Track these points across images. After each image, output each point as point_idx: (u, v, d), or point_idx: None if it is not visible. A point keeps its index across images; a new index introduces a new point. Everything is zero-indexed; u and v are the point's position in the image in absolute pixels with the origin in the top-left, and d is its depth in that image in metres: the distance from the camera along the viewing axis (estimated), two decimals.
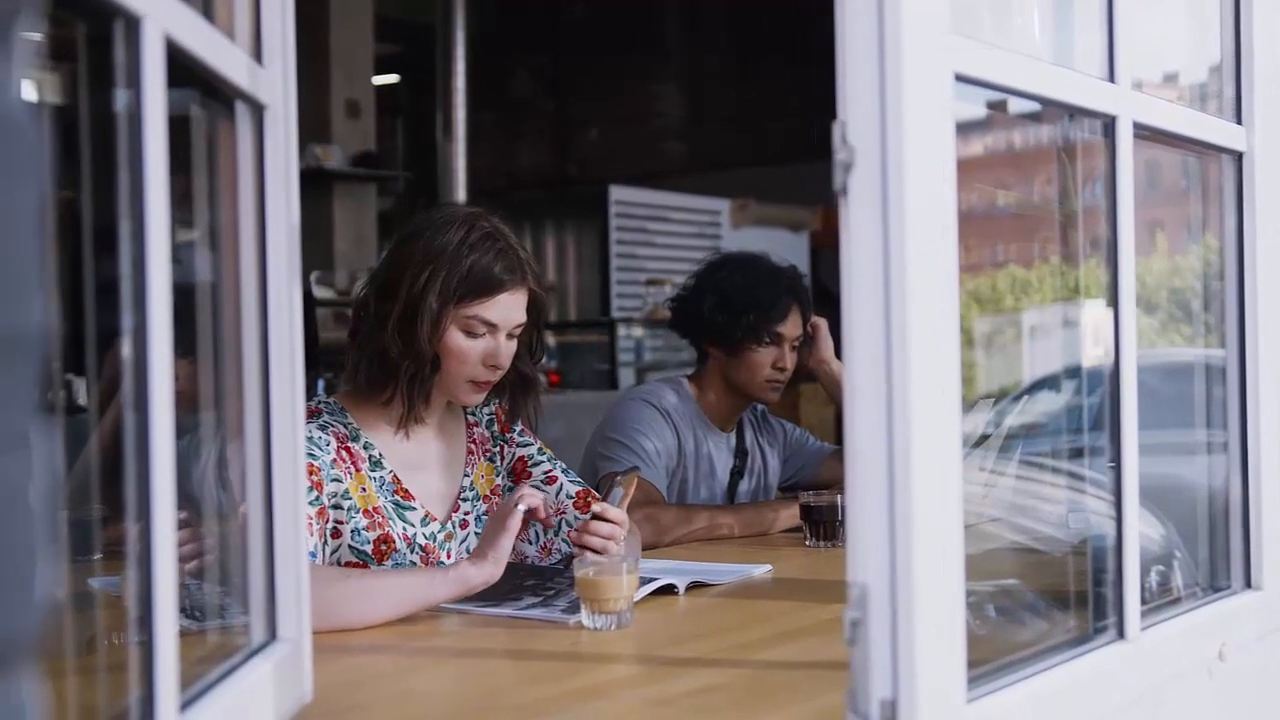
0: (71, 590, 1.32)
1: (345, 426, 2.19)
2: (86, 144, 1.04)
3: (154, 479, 1.00)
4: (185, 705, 1.08)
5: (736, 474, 3.11)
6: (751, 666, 1.66)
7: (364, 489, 2.16)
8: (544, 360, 2.45)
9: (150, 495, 1.00)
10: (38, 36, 0.62)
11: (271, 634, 1.36)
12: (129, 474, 1.00)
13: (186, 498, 1.14)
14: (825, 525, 2.62)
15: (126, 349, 0.98)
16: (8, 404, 0.54)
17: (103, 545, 1.77)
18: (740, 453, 3.12)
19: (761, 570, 2.33)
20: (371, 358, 2.17)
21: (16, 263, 0.54)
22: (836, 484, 2.93)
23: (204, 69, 1.16)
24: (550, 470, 2.36)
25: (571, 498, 2.32)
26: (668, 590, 2.08)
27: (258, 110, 1.33)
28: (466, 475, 2.31)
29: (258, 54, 1.33)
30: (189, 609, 1.35)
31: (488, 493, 2.33)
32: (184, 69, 1.10)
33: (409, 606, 1.92)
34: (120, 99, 0.99)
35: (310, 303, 5.05)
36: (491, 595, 2.04)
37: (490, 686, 1.61)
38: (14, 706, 0.55)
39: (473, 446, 2.34)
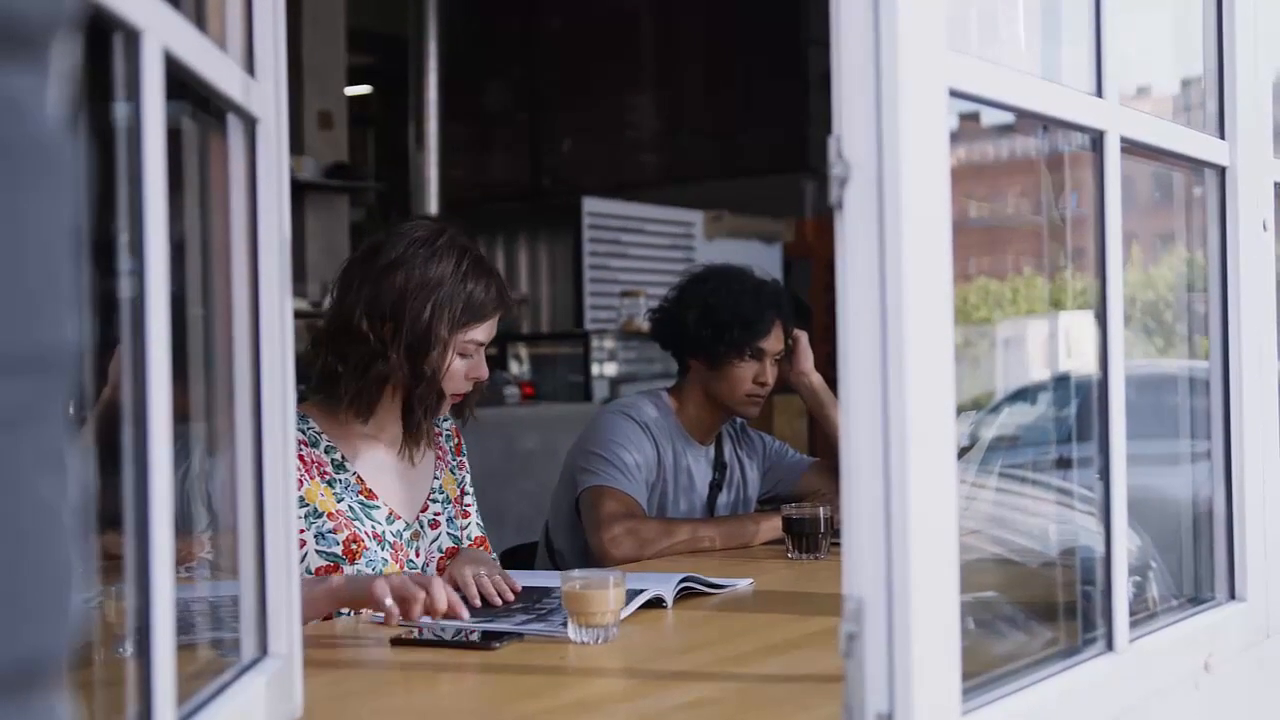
0: None
1: (304, 432, 2.23)
2: (83, 156, 1.03)
3: (151, 498, 0.99)
4: None
5: (715, 487, 3.11)
6: (742, 680, 1.66)
7: (323, 494, 2.20)
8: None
9: (148, 511, 0.99)
10: (73, 51, 0.62)
11: (263, 649, 1.35)
12: (126, 491, 0.99)
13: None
14: (807, 538, 2.62)
15: (126, 363, 0.98)
16: (44, 422, 0.54)
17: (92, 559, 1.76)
18: (719, 466, 3.12)
19: (744, 584, 2.33)
20: (375, 383, 2.22)
21: (54, 281, 0.55)
22: (815, 496, 2.94)
23: (200, 82, 1.15)
24: (469, 506, 2.47)
25: (471, 540, 2.41)
26: (654, 604, 2.08)
27: (250, 123, 1.32)
28: (436, 478, 2.39)
29: (250, 67, 1.33)
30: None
31: (456, 497, 2.42)
32: (177, 81, 1.09)
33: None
34: (119, 111, 0.99)
35: None
36: (484, 612, 2.03)
37: (480, 701, 1.61)
38: None
39: (440, 453, 2.43)
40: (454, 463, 2.45)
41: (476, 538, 2.42)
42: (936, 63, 1.20)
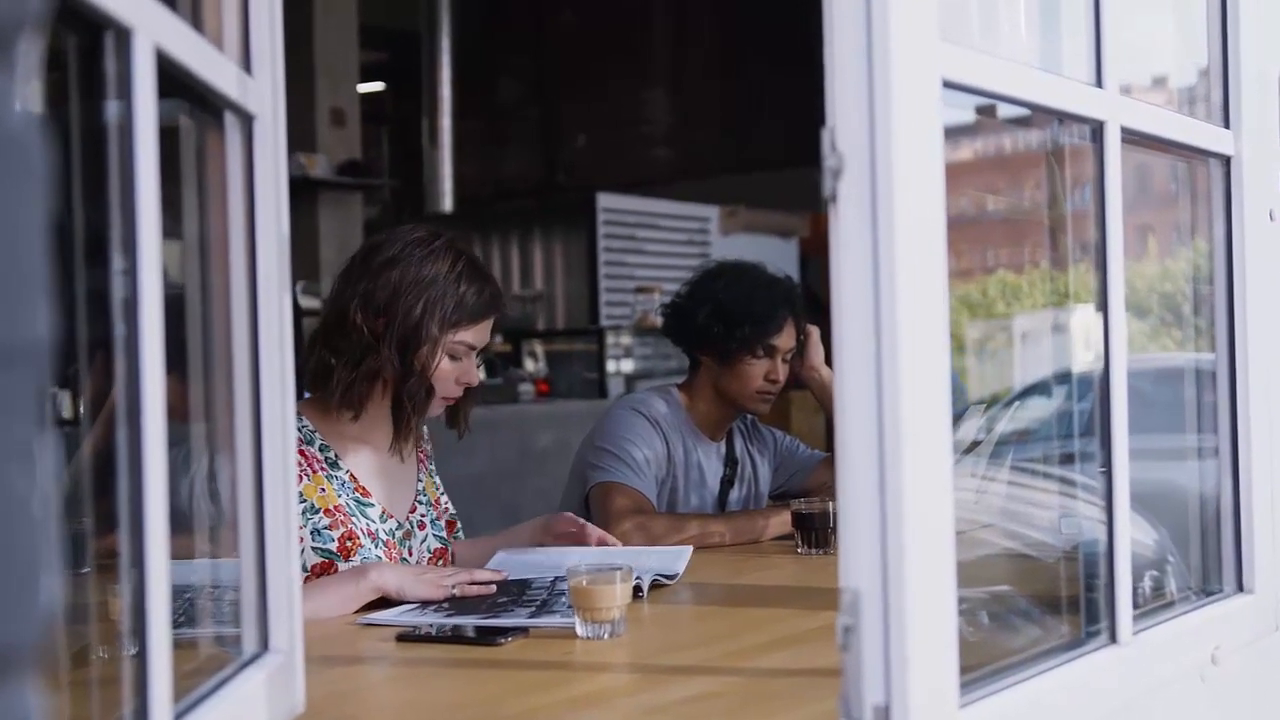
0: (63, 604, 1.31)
1: (299, 431, 2.25)
2: (75, 154, 1.04)
3: (147, 493, 0.99)
4: (178, 717, 1.08)
5: (727, 482, 3.11)
6: (745, 674, 1.66)
7: (323, 489, 2.24)
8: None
9: (143, 509, 0.99)
10: (40, 48, 0.62)
11: (264, 645, 1.35)
12: (121, 488, 0.99)
13: (176, 511, 1.14)
14: (817, 532, 2.62)
15: (120, 362, 0.98)
16: (12, 414, 0.54)
17: (93, 558, 1.76)
18: (731, 461, 3.12)
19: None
20: (366, 377, 2.25)
21: (22, 274, 0.55)
22: (827, 492, 2.93)
23: (194, 80, 1.16)
24: (434, 517, 2.46)
25: (430, 552, 2.41)
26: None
27: (247, 120, 1.32)
28: (419, 481, 2.43)
29: (246, 64, 1.33)
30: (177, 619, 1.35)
31: (435, 500, 2.46)
32: (172, 79, 1.10)
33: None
34: (110, 110, 0.99)
35: (296, 313, 5.04)
36: (478, 610, 2.02)
37: (484, 696, 1.61)
38: (18, 715, 0.55)
39: (422, 458, 2.47)
40: (431, 468, 2.49)
41: (436, 549, 2.42)
42: (929, 53, 1.20)
